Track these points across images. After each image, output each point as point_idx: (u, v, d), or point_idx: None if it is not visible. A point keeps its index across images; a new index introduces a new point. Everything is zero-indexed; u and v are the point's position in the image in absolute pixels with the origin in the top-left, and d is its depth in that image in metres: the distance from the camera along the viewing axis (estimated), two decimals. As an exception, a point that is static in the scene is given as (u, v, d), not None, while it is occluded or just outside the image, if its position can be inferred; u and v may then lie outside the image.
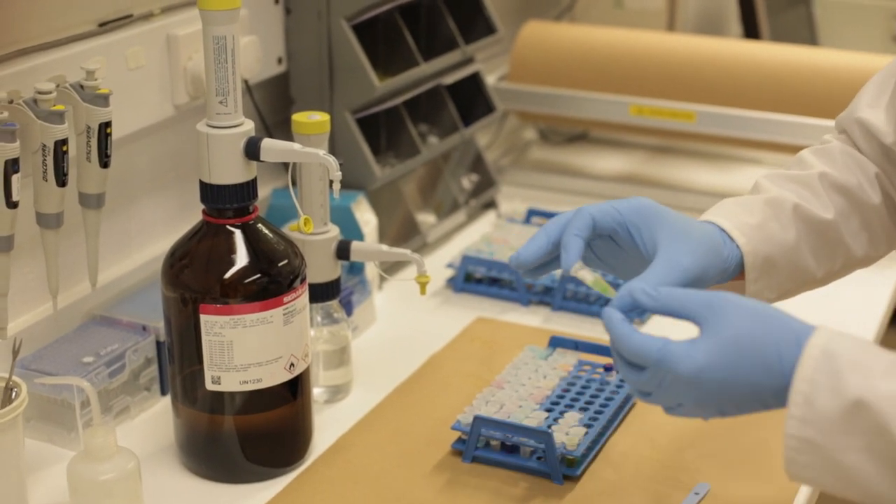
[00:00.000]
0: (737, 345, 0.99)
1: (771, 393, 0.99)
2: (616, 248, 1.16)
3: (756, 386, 0.99)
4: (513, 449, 1.29)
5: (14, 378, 1.19)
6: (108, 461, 1.10)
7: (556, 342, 1.46)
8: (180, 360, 1.25)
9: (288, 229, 1.40)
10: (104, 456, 1.10)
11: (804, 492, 1.26)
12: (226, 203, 1.22)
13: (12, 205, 1.22)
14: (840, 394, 0.96)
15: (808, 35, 2.66)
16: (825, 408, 0.96)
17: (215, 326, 1.21)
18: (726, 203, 1.22)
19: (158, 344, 1.36)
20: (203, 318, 1.21)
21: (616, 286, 1.43)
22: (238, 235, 1.23)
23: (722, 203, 1.22)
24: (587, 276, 1.12)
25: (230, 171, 1.22)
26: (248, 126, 1.22)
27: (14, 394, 1.18)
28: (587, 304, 1.62)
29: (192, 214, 1.25)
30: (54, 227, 1.29)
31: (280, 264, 1.23)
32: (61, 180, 1.26)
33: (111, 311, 1.41)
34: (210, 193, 1.23)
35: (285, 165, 1.40)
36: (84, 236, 1.34)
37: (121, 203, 1.47)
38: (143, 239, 1.51)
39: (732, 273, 1.17)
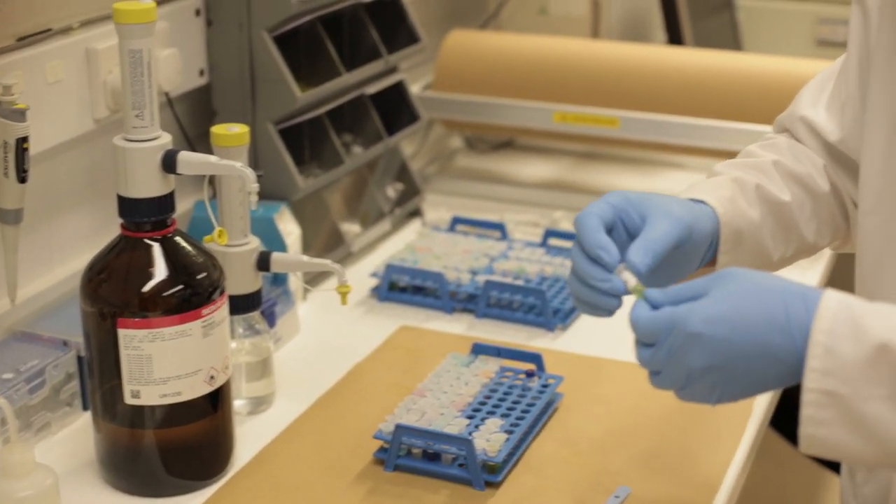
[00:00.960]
0: (740, 299, 1.01)
1: (782, 353, 0.99)
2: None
3: (765, 343, 0.99)
4: (434, 456, 1.30)
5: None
6: (26, 478, 1.10)
7: (479, 349, 1.48)
8: (100, 375, 1.24)
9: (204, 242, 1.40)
10: (21, 473, 1.10)
11: (722, 494, 1.28)
12: (143, 216, 1.23)
13: None
14: (862, 340, 0.96)
15: (731, 41, 2.69)
16: (847, 356, 0.96)
17: (134, 340, 1.21)
18: (699, 182, 1.25)
19: (79, 359, 1.36)
20: (121, 332, 1.21)
21: None
22: (156, 249, 1.23)
23: (694, 184, 1.25)
24: (630, 278, 1.11)
25: (147, 184, 1.22)
26: (166, 139, 1.23)
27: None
28: (510, 310, 1.63)
29: (114, 229, 1.25)
30: None
31: (198, 277, 1.24)
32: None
33: (32, 327, 1.40)
34: (127, 207, 1.23)
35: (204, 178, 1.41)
36: (1, 252, 1.34)
37: (41, 218, 1.47)
38: (64, 254, 1.51)
39: (714, 245, 1.20)
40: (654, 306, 1.05)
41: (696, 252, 1.18)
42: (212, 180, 1.40)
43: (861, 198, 1.22)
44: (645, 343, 1.06)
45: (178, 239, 1.25)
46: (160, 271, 1.23)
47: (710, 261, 1.21)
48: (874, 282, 1.21)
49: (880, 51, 1.19)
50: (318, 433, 1.37)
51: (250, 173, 1.23)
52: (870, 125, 1.20)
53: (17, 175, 1.30)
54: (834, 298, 0.99)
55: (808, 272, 1.69)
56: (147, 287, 1.22)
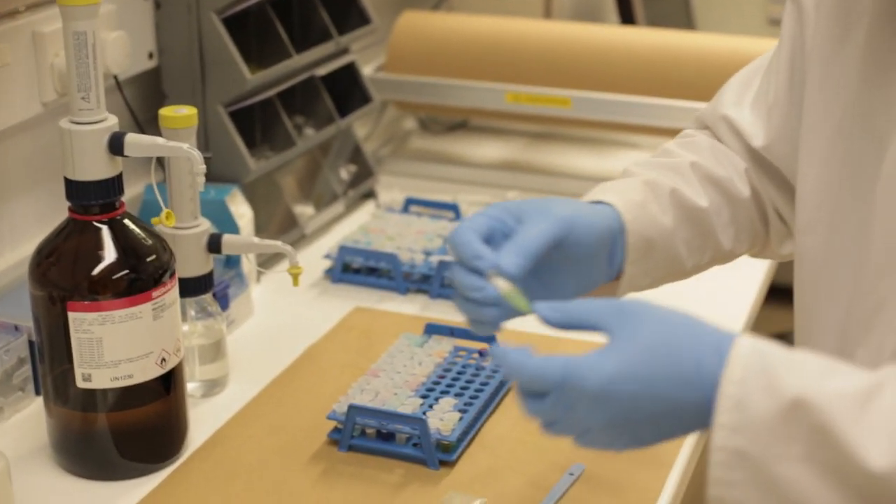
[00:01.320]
0: (649, 353, 0.90)
1: (691, 409, 0.89)
2: None
3: (673, 400, 0.89)
4: (389, 436, 1.30)
5: None
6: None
7: (432, 329, 1.48)
8: (51, 359, 1.24)
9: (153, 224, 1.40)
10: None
11: (676, 473, 1.28)
12: (91, 199, 1.22)
13: None
14: (776, 394, 0.85)
15: (684, 20, 2.70)
16: (759, 411, 0.86)
17: (84, 323, 1.20)
18: (607, 184, 1.17)
19: (31, 343, 1.35)
20: (71, 315, 1.20)
21: None
22: (105, 232, 1.22)
23: (602, 185, 1.17)
24: (501, 283, 1.03)
25: (94, 167, 1.21)
26: (112, 121, 1.22)
27: None
28: (464, 290, 1.63)
29: (63, 213, 1.24)
30: None
31: (148, 259, 1.23)
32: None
33: (-20, 311, 1.39)
34: (75, 190, 1.22)
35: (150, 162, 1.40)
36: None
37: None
38: (14, 238, 1.50)
39: (619, 257, 1.12)
40: (549, 321, 0.96)
41: (589, 253, 1.09)
42: (162, 164, 1.39)
43: (797, 214, 1.14)
44: (531, 391, 0.94)
45: (126, 221, 1.24)
46: (109, 254, 1.22)
47: (618, 274, 1.14)
48: (812, 302, 1.13)
49: (816, 54, 1.12)
50: (272, 415, 1.36)
51: (197, 154, 1.23)
52: (806, 136, 1.13)
53: None
54: (747, 345, 0.89)
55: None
56: (96, 270, 1.21)
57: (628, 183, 1.16)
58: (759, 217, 1.24)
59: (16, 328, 1.36)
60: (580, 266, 1.09)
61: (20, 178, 1.51)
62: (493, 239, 1.05)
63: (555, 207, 1.06)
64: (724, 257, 1.23)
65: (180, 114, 1.35)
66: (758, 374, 0.87)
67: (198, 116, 1.36)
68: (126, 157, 1.22)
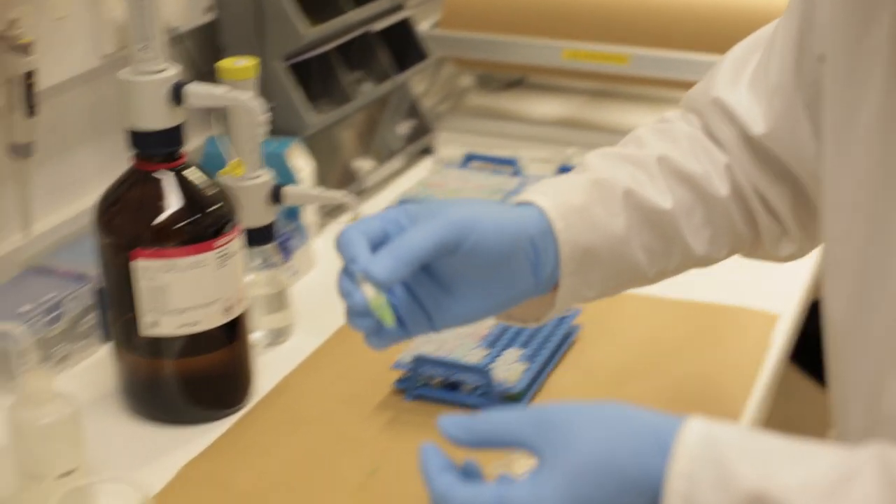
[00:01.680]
0: (589, 472, 0.77)
1: None
2: None
3: None
4: (454, 386, 1.29)
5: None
6: (47, 405, 1.09)
7: (497, 280, 1.46)
8: (118, 307, 1.24)
9: (219, 175, 1.40)
10: (42, 400, 1.09)
11: (746, 419, 1.27)
12: (153, 149, 1.22)
13: None
14: (729, 488, 0.73)
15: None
16: None
17: (149, 271, 1.20)
18: (547, 181, 1.05)
19: (97, 291, 1.36)
20: (137, 263, 1.20)
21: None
22: (168, 181, 1.22)
23: (542, 182, 1.06)
24: (369, 290, 0.94)
25: (156, 116, 1.20)
26: (173, 71, 1.21)
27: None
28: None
29: (124, 163, 1.25)
30: None
31: (211, 208, 1.23)
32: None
33: (48, 261, 1.40)
34: (137, 140, 1.22)
35: (210, 114, 1.40)
36: (15, 186, 1.34)
37: (54, 153, 1.46)
38: (78, 188, 1.50)
39: (549, 267, 1.00)
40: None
41: (497, 262, 0.97)
42: (220, 118, 1.39)
43: (827, 221, 1.00)
44: None
45: (189, 171, 1.24)
46: (173, 203, 1.21)
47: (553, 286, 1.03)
48: (844, 317, 0.99)
49: (835, 40, 0.97)
50: (336, 365, 1.36)
51: (259, 103, 1.22)
52: (835, 134, 0.98)
53: (26, 109, 1.29)
54: (696, 432, 0.76)
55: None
56: (160, 219, 1.21)
57: (572, 182, 1.04)
58: (743, 217, 1.11)
59: (81, 276, 1.36)
60: (489, 276, 0.98)
61: (82, 130, 1.51)
62: (388, 239, 0.96)
63: (453, 209, 0.95)
64: (699, 262, 1.10)
65: (240, 65, 1.35)
66: (708, 465, 0.74)
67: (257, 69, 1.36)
68: (188, 107, 1.21)
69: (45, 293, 1.33)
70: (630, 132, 1.13)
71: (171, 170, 1.22)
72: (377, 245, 0.95)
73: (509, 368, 1.29)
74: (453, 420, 0.83)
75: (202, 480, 1.17)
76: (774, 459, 0.75)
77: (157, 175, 1.22)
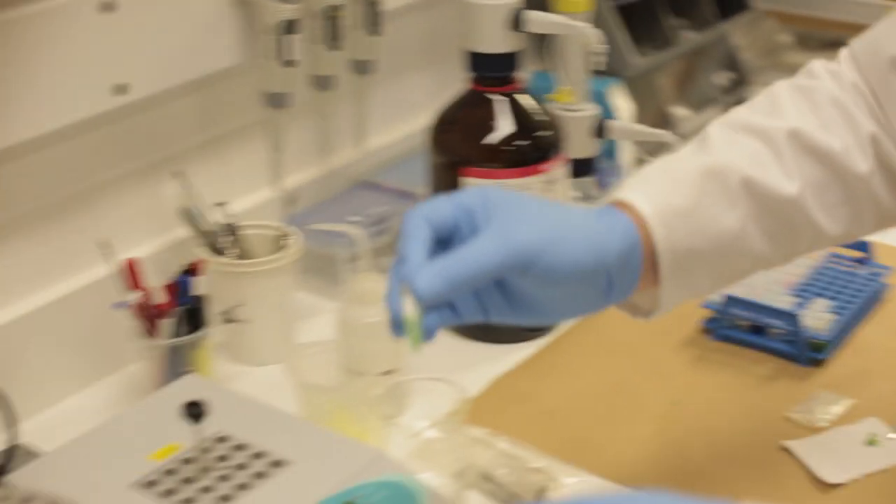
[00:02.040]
0: None
1: None
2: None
3: None
4: (760, 330, 1.30)
5: (288, 228, 1.26)
6: (374, 306, 1.15)
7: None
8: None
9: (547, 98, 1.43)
10: (371, 300, 1.15)
11: None
12: (490, 72, 1.26)
13: (287, 63, 1.31)
14: None
15: None
16: None
17: (477, 190, 1.25)
18: (652, 174, 0.96)
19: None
20: (466, 181, 1.25)
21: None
22: (501, 104, 1.26)
23: (646, 171, 0.96)
24: (408, 303, 0.85)
25: (495, 41, 1.25)
26: (512, -1, 1.26)
27: (287, 242, 1.25)
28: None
29: (450, 89, 1.30)
30: (324, 89, 1.39)
31: (540, 134, 1.27)
32: (333, 44, 1.36)
33: (377, 177, 1.47)
34: (475, 62, 1.27)
35: (540, 48, 1.43)
36: (353, 103, 1.41)
37: (392, 73, 1.53)
38: (409, 109, 1.57)
39: (627, 286, 0.92)
40: None
41: (567, 286, 0.88)
42: (551, 53, 1.42)
43: None
44: None
45: (522, 97, 1.28)
46: (504, 126, 1.26)
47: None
48: None
49: None
50: (644, 299, 1.38)
51: (595, 33, 1.25)
52: None
53: (368, 27, 1.37)
54: None
55: None
56: (492, 139, 1.25)
57: (681, 173, 0.95)
58: (891, 190, 1.00)
59: (407, 194, 1.43)
60: (555, 297, 0.89)
61: (418, 54, 1.59)
62: (459, 232, 0.87)
63: (525, 228, 0.85)
64: (837, 240, 1.01)
65: (576, -1, 1.39)
66: None
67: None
68: (525, 32, 1.25)
69: (372, 206, 1.40)
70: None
71: (505, 93, 1.27)
72: (443, 238, 0.87)
73: (818, 317, 1.29)
74: None
75: (511, 394, 1.22)
76: None
77: (490, 97, 1.27)
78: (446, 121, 1.29)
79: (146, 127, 1.27)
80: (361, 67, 1.42)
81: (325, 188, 1.45)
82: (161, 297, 1.18)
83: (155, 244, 1.28)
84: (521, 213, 0.86)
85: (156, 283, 1.18)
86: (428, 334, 0.85)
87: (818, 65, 1.02)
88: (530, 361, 1.28)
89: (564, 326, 1.33)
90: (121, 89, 1.20)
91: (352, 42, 1.40)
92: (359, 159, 1.49)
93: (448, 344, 1.30)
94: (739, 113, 0.99)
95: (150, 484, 0.95)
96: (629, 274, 0.91)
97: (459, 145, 1.26)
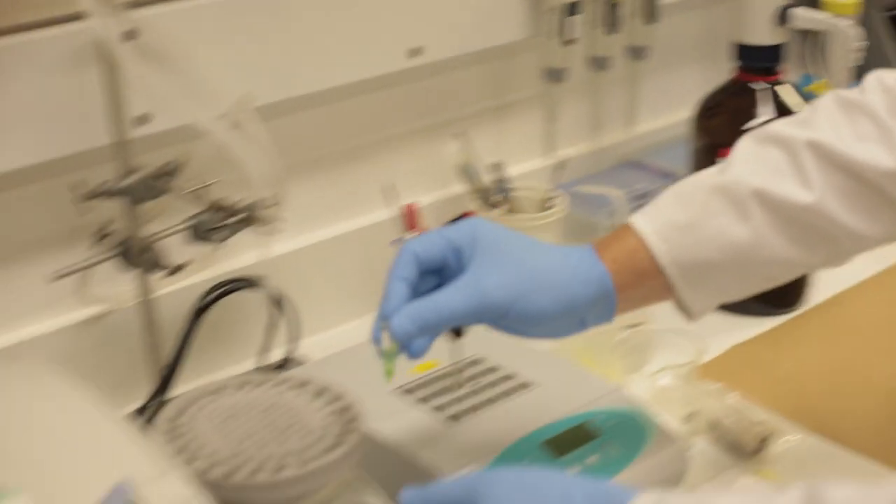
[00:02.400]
0: None
1: None
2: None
3: None
4: None
5: (554, 191, 1.38)
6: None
7: None
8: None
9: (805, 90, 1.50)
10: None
11: None
12: (755, 62, 1.35)
13: (567, 42, 1.45)
14: None
15: None
16: None
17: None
18: (663, 195, 1.02)
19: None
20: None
21: None
22: (763, 93, 1.35)
23: (661, 194, 1.03)
24: (385, 340, 0.92)
25: (762, 33, 1.34)
26: (786, -3, 1.35)
27: (553, 203, 1.37)
28: None
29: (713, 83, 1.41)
30: (599, 69, 1.53)
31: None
32: (611, 28, 1.49)
33: (643, 157, 1.59)
34: (742, 53, 1.36)
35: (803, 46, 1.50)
36: (626, 87, 1.52)
37: (664, 62, 1.63)
38: (677, 98, 1.64)
39: (602, 319, 0.98)
40: None
41: (542, 326, 0.95)
42: (816, 56, 1.50)
43: None
44: None
45: (783, 88, 1.36)
46: (765, 113, 1.34)
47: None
48: None
49: None
50: (890, 291, 1.44)
51: (856, 32, 1.33)
52: None
53: (644, 16, 1.48)
54: (649, 498, 0.77)
55: None
56: (752, 126, 1.33)
57: (692, 190, 1.00)
58: None
59: (670, 174, 1.53)
60: (533, 330, 0.96)
61: (690, 46, 1.69)
62: (448, 266, 0.95)
63: (497, 280, 0.92)
64: (882, 241, 1.02)
65: (843, 1, 1.46)
66: None
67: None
68: (789, 28, 1.35)
69: (636, 183, 1.51)
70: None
71: (768, 83, 1.35)
72: (431, 270, 0.94)
73: None
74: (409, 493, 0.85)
75: (747, 360, 1.30)
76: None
77: (754, 86, 1.35)
78: (710, 106, 1.38)
79: (434, 89, 1.41)
80: (636, 53, 1.53)
81: (592, 163, 1.56)
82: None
83: (433, 195, 1.43)
84: (500, 262, 0.93)
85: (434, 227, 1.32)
86: (417, 355, 0.92)
87: (872, 77, 1.03)
88: (771, 332, 1.36)
89: (807, 306, 1.40)
90: (415, 52, 1.34)
91: (629, 28, 1.51)
92: (627, 140, 1.60)
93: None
94: (775, 124, 1.02)
95: (410, 391, 1.08)
96: (604, 312, 0.97)
97: (721, 130, 1.35)
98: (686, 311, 1.02)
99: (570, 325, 0.97)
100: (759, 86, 1.35)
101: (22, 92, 1.08)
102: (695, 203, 0.99)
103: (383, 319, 0.91)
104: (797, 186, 0.98)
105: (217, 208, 1.12)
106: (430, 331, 0.91)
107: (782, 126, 1.01)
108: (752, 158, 1.00)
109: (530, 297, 0.93)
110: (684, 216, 0.98)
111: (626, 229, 1.00)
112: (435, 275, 0.95)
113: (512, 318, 0.93)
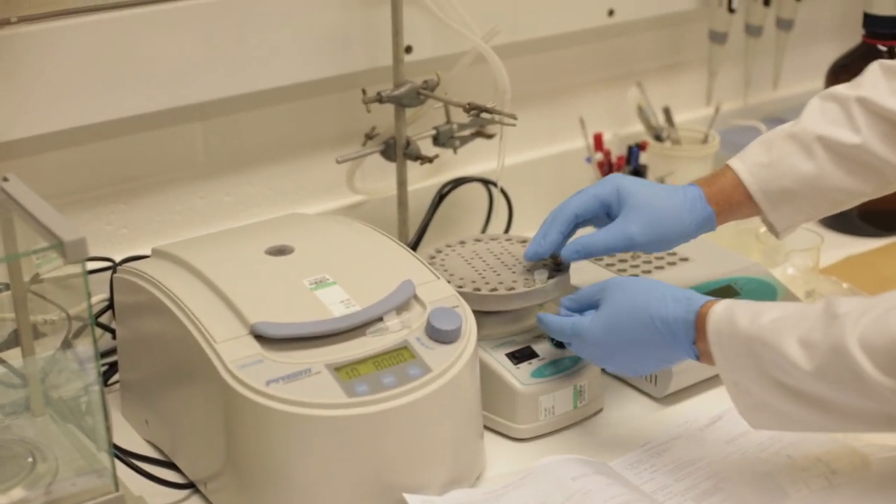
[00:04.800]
0: (617, 315, 1.17)
1: (657, 341, 1.15)
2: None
3: (637, 340, 1.16)
4: None
5: (710, 132, 1.73)
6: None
7: None
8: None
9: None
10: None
11: None
12: (880, 29, 1.67)
13: (729, 10, 1.79)
14: (735, 333, 1.09)
15: None
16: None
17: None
18: (754, 143, 1.32)
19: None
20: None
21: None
22: (885, 55, 1.67)
23: (753, 142, 1.32)
24: (541, 276, 1.29)
25: (887, 5, 1.66)
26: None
27: (708, 141, 1.71)
28: None
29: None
30: (753, 36, 1.87)
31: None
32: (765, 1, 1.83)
33: (783, 115, 1.90)
34: (869, 21, 1.68)
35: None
36: (776, 53, 1.89)
37: (805, 36, 1.96)
38: (815, 67, 1.92)
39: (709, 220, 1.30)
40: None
41: (668, 235, 1.28)
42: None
43: None
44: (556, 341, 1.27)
45: (902, 51, 1.68)
46: (885, 73, 1.67)
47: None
48: None
49: None
50: None
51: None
52: None
53: (727, 5, 1.80)
54: (720, 304, 1.12)
55: None
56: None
57: (774, 138, 1.31)
58: None
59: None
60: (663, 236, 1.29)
61: (826, 27, 2.01)
62: (597, 218, 1.30)
63: (635, 229, 1.26)
64: None
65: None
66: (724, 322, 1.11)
67: None
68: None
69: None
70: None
71: (889, 47, 1.67)
72: (588, 220, 1.30)
73: None
74: (567, 297, 1.25)
75: (859, 265, 1.63)
76: (763, 309, 1.09)
77: (879, 49, 1.67)
78: (840, 66, 1.71)
79: (620, 46, 1.78)
80: (785, 25, 1.87)
81: (741, 117, 1.90)
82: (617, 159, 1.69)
83: (617, 130, 1.79)
84: (639, 213, 1.26)
85: (614, 152, 1.70)
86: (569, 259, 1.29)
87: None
88: (881, 249, 1.68)
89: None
90: (611, 13, 1.70)
91: (779, 2, 1.85)
92: (771, 100, 1.95)
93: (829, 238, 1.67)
94: (837, 87, 1.33)
95: (597, 259, 1.44)
96: (708, 230, 1.32)
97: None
98: (773, 230, 1.34)
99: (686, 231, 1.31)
100: (883, 48, 1.67)
101: (327, 21, 1.45)
102: (774, 147, 1.30)
103: (533, 258, 1.29)
104: (848, 131, 1.28)
105: (468, 111, 1.43)
106: (589, 257, 1.28)
107: (840, 88, 1.32)
108: (817, 112, 1.31)
109: (659, 239, 1.28)
110: (766, 157, 1.30)
111: (726, 168, 1.32)
112: (597, 222, 1.31)
113: (646, 249, 1.29)
